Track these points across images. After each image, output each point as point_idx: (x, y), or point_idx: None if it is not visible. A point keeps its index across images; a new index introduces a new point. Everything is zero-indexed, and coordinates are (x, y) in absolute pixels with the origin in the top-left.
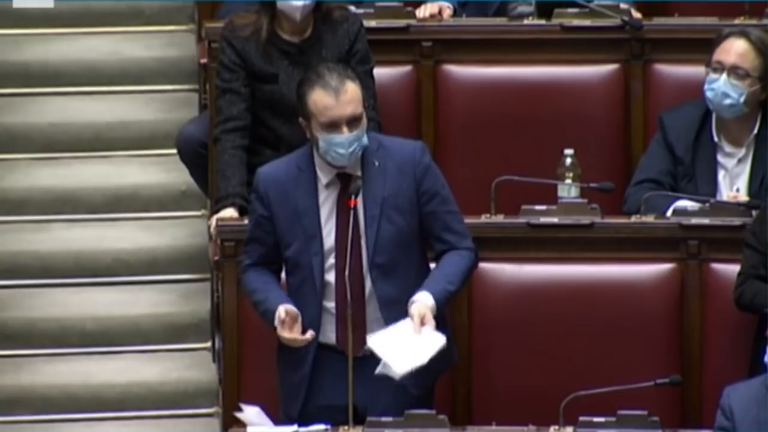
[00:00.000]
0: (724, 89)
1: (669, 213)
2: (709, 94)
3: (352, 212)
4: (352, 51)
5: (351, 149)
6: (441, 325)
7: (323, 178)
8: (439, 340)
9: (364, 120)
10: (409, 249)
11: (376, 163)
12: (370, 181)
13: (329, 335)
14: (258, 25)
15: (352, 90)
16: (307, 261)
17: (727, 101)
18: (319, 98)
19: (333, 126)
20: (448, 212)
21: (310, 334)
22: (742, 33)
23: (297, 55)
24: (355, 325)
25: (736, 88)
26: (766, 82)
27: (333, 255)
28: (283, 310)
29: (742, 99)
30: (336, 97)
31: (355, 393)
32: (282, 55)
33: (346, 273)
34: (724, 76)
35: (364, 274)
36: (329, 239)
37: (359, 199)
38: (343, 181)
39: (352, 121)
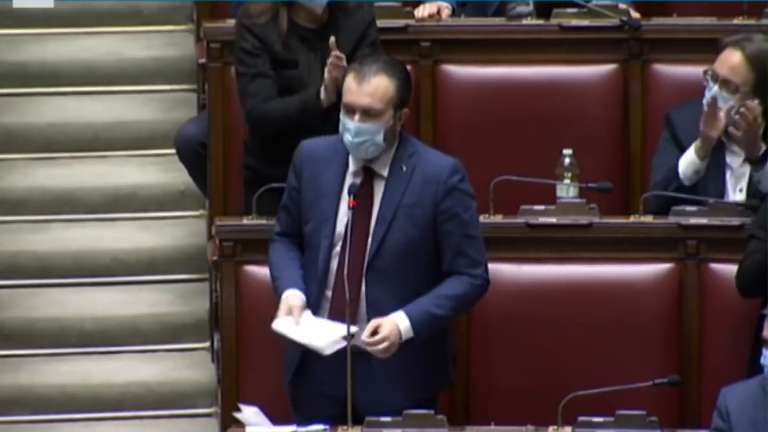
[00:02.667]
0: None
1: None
2: (704, 102)
3: (351, 212)
4: (365, 35)
5: (358, 140)
6: (438, 346)
7: (352, 166)
8: (335, 342)
9: (386, 119)
10: (415, 261)
11: (404, 168)
12: (392, 184)
13: None
14: (274, 13)
15: (378, 84)
16: (318, 242)
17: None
18: (348, 80)
19: (349, 109)
20: (465, 236)
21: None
22: (740, 45)
23: (315, 41)
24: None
25: (725, 101)
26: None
27: (341, 243)
28: (286, 308)
29: (732, 111)
30: (359, 83)
31: (344, 386)
32: (300, 41)
33: (345, 268)
34: (716, 87)
35: (363, 271)
36: (341, 226)
37: (376, 199)
38: (367, 175)
39: (366, 113)
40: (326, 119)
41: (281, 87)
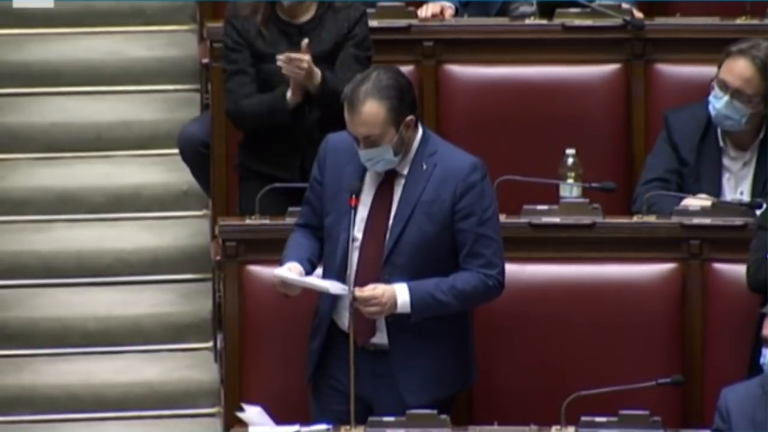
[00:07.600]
0: (725, 112)
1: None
2: (712, 110)
3: (352, 211)
4: (350, 35)
5: (370, 162)
6: (460, 342)
7: None
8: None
9: (389, 138)
10: (431, 257)
11: (424, 167)
12: (412, 182)
13: (343, 320)
14: (257, 6)
15: (369, 111)
16: (337, 234)
17: (728, 122)
18: (345, 110)
19: (353, 138)
20: (481, 236)
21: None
22: (750, 54)
23: (296, 36)
24: (363, 317)
25: (737, 111)
26: None
27: (360, 237)
28: (287, 267)
29: (743, 120)
30: (351, 116)
31: (361, 385)
32: (281, 36)
33: (362, 262)
34: (727, 98)
35: (380, 267)
36: (360, 220)
37: (396, 197)
38: (388, 172)
39: (368, 140)
40: (295, 117)
41: (261, 81)
